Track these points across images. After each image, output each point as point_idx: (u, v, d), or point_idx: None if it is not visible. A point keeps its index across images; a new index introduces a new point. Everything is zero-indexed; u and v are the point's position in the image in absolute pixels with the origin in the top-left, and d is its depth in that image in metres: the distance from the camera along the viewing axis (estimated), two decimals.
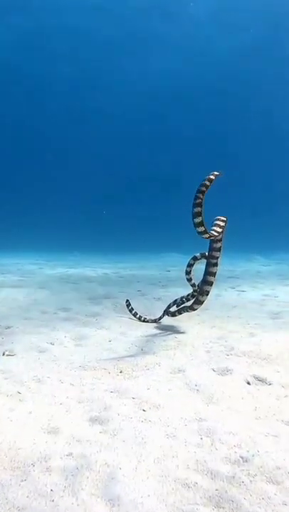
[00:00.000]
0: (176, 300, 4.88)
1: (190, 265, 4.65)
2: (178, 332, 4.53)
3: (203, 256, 4.41)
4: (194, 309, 4.41)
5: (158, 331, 4.58)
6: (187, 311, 4.59)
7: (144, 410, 2.47)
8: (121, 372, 3.20)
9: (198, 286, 4.61)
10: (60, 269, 11.83)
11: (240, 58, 31.36)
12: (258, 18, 28.54)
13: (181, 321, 5.01)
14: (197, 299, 4.29)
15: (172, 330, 4.61)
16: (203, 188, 3.08)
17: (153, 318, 5.11)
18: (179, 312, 4.74)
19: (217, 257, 3.88)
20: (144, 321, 4.98)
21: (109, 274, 11.05)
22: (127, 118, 37.37)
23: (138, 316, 5.01)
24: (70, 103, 36.01)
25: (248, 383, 2.99)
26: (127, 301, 5.11)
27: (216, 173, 3.15)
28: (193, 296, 4.67)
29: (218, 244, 3.85)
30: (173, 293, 7.41)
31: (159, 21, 29.22)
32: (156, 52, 31.52)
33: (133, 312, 5.03)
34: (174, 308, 4.90)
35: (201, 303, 4.29)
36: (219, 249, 3.86)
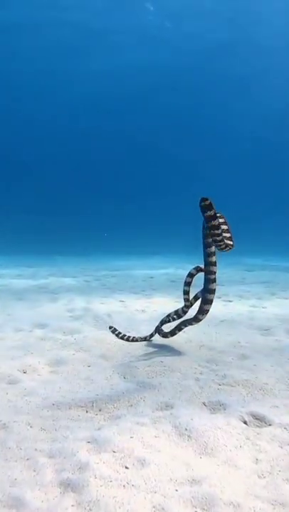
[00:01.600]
0: (162, 320, 4.49)
1: (188, 284, 4.22)
2: (163, 354, 4.16)
3: (198, 270, 4.04)
4: (192, 324, 4.07)
5: (141, 352, 4.20)
6: (185, 326, 4.24)
7: (126, 467, 2.08)
8: (100, 410, 2.81)
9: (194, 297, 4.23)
10: (39, 276, 11.38)
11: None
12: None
13: (168, 340, 4.64)
14: (196, 317, 3.90)
15: (157, 351, 4.24)
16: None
17: (142, 336, 4.69)
18: (179, 329, 4.34)
19: (215, 272, 3.52)
20: (132, 340, 4.57)
21: (91, 281, 10.64)
22: (87, 116, 36.99)
23: (126, 337, 4.59)
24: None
25: (245, 423, 2.63)
26: (111, 327, 4.68)
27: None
28: (183, 311, 4.28)
29: (214, 258, 3.49)
30: (158, 304, 7.05)
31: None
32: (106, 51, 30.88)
33: (120, 335, 4.60)
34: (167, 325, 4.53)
35: (200, 320, 3.93)
36: (216, 264, 3.50)
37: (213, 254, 3.49)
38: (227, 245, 3.15)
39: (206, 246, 3.48)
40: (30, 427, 2.54)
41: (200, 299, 3.83)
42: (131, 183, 40.05)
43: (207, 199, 2.95)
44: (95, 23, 28.08)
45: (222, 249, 3.16)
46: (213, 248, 3.44)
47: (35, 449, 2.26)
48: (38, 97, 34.68)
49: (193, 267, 4.16)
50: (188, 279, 4.20)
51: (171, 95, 34.66)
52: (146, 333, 4.88)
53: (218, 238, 3.08)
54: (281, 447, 2.31)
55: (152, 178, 40.85)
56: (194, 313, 3.91)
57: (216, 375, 3.47)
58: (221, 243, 3.12)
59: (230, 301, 7.39)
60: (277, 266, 14.63)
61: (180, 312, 4.31)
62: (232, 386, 3.23)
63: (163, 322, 4.46)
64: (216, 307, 6.74)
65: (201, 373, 3.59)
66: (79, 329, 5.16)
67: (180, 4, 27.73)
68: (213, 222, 3.01)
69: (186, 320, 4.16)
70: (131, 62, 31.15)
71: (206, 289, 3.63)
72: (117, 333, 4.60)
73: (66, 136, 37.47)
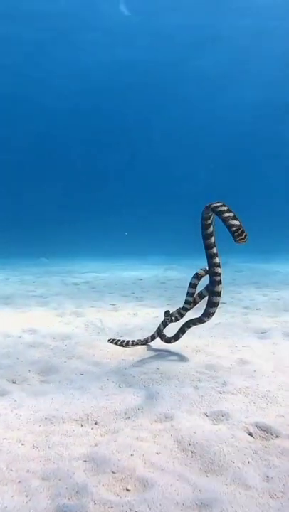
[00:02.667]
0: (164, 322, 4.29)
1: (193, 285, 4.02)
2: (159, 359, 3.99)
3: (206, 272, 3.86)
4: (196, 324, 3.93)
5: (136, 359, 4.03)
6: (189, 327, 4.07)
7: (128, 490, 1.91)
8: (96, 424, 2.64)
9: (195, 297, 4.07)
10: (27, 279, 11.15)
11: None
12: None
13: (163, 345, 4.47)
14: (201, 319, 3.73)
15: (152, 357, 4.07)
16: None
17: (142, 339, 4.49)
18: (183, 332, 4.16)
19: (220, 274, 3.35)
20: (133, 345, 4.39)
21: (79, 283, 10.44)
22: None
23: (125, 343, 4.40)
24: None
25: (250, 435, 2.48)
26: (110, 340, 4.53)
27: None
28: (185, 309, 4.10)
29: (217, 260, 3.32)
30: (149, 307, 6.89)
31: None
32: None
33: (120, 343, 4.43)
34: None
35: (204, 322, 3.77)
36: (220, 265, 3.34)
37: (217, 255, 3.33)
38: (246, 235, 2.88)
39: (208, 247, 3.32)
40: (22, 444, 2.36)
41: (206, 300, 3.66)
42: (113, 186, 40.04)
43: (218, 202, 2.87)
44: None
45: (242, 240, 2.80)
46: (215, 249, 3.28)
47: (28, 471, 2.08)
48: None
49: (196, 272, 3.99)
50: (195, 281, 4.02)
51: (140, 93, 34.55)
52: (141, 337, 4.72)
53: (238, 228, 2.81)
54: None
55: (124, 180, 40.88)
56: (199, 315, 3.74)
57: (216, 382, 3.31)
58: (243, 234, 2.82)
59: (223, 303, 7.25)
60: (259, 266, 14.57)
61: (182, 311, 4.11)
62: (233, 394, 3.08)
63: (165, 324, 4.26)
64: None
65: (199, 380, 3.43)
66: (70, 335, 4.97)
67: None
68: (230, 214, 2.83)
69: (190, 321, 3.96)
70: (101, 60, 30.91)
71: (211, 291, 3.47)
72: (115, 342, 4.43)
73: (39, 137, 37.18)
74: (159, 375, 3.54)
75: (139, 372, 3.61)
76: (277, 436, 2.45)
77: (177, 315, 4.14)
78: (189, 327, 4.05)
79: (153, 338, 4.43)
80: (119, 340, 4.47)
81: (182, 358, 4.02)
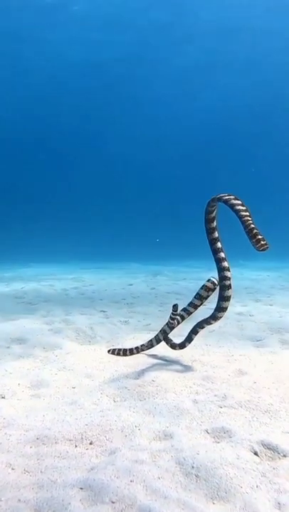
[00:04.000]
0: (169, 323, 4.09)
1: (199, 298, 3.73)
2: (154, 370, 3.83)
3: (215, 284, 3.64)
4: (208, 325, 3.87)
5: (130, 370, 3.87)
6: (202, 328, 3.95)
7: None
8: (91, 444, 2.47)
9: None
10: (15, 285, 10.93)
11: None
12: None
13: (157, 354, 4.33)
14: (209, 321, 3.69)
15: (146, 368, 3.91)
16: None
17: (146, 343, 4.15)
18: (196, 333, 3.99)
19: (229, 278, 3.23)
20: (138, 351, 4.15)
21: (69, 290, 10.25)
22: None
23: (129, 351, 4.16)
24: None
25: (256, 454, 2.33)
26: (109, 350, 4.26)
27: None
28: (182, 317, 3.91)
29: (226, 264, 3.19)
30: (141, 314, 6.73)
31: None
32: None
33: (122, 352, 4.18)
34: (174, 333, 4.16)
35: (211, 324, 3.79)
36: (229, 269, 3.21)
37: (225, 259, 3.19)
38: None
39: (216, 252, 3.19)
40: (12, 469, 2.19)
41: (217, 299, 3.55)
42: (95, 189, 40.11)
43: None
44: None
45: (264, 246, 2.61)
46: (223, 254, 3.16)
47: (19, 500, 1.91)
48: None
49: (204, 284, 3.69)
50: (197, 302, 3.81)
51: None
52: (133, 345, 4.57)
53: (258, 233, 2.59)
54: None
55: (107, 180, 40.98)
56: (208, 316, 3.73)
57: (215, 395, 3.16)
58: (263, 241, 2.59)
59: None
60: (247, 272, 14.52)
61: (185, 314, 3.92)
62: (234, 408, 2.93)
63: (171, 326, 3.97)
64: (203, 316, 6.46)
65: (197, 393, 3.28)
66: (60, 344, 4.80)
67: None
68: (247, 213, 2.68)
69: (203, 321, 3.85)
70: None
71: (221, 296, 3.36)
72: (117, 352, 4.20)
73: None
74: (155, 388, 3.39)
75: (134, 385, 3.45)
76: (284, 456, 2.30)
77: (180, 318, 3.95)
78: (202, 327, 3.91)
79: (158, 341, 4.07)
80: (120, 349, 4.26)
81: (178, 369, 3.87)
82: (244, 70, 31.84)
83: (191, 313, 3.89)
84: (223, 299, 3.38)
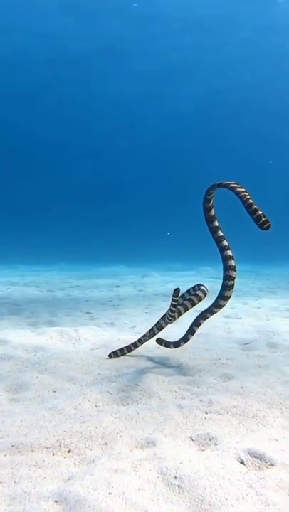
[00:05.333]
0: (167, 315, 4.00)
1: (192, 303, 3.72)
2: (138, 374, 3.71)
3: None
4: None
5: (113, 373, 3.74)
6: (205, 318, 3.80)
7: None
8: (69, 451, 2.35)
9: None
10: (0, 287, 10.76)
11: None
12: None
13: (141, 357, 4.21)
14: (211, 309, 3.53)
15: (131, 372, 3.78)
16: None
17: (148, 333, 4.13)
18: (198, 325, 3.86)
19: (234, 278, 3.12)
20: (140, 342, 4.13)
21: (55, 291, 10.12)
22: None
23: (133, 345, 4.15)
24: None
25: (242, 463, 2.22)
26: (110, 355, 4.20)
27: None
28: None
29: (233, 262, 3.08)
30: (127, 316, 6.61)
31: None
32: None
33: (124, 352, 4.18)
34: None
35: (214, 313, 3.58)
36: (235, 268, 3.10)
37: (232, 257, 3.08)
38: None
39: (223, 249, 3.07)
40: None
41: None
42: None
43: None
44: None
45: (268, 224, 2.53)
46: (230, 252, 3.04)
47: None
48: None
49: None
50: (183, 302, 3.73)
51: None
52: (116, 348, 4.47)
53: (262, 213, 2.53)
54: None
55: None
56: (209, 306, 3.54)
57: (200, 400, 3.05)
58: (264, 217, 2.53)
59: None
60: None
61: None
62: (220, 414, 2.83)
63: (166, 319, 3.84)
64: (191, 319, 6.35)
65: (182, 398, 3.17)
66: (43, 346, 4.66)
67: None
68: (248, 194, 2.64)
69: (202, 314, 3.71)
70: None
71: (221, 294, 3.25)
72: (118, 354, 4.18)
73: None
74: (139, 392, 3.27)
75: (117, 389, 3.33)
76: (271, 465, 2.20)
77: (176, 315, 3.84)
78: (205, 319, 3.76)
79: (160, 328, 4.07)
80: (121, 349, 4.19)
81: (163, 373, 3.76)
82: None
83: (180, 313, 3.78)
84: (222, 297, 3.27)
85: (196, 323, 3.84)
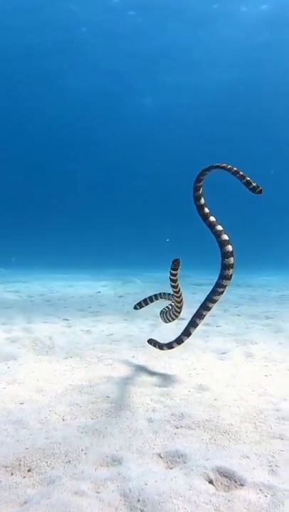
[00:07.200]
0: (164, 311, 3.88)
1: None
2: (110, 384, 3.59)
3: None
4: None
5: (85, 384, 3.62)
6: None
7: None
8: (29, 471, 2.22)
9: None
10: None
11: None
12: None
13: (115, 367, 4.09)
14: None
15: (103, 382, 3.66)
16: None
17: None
18: (195, 325, 3.39)
19: (225, 286, 2.95)
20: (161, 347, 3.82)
21: (34, 296, 9.93)
22: None
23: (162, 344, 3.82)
24: None
25: (211, 482, 2.12)
26: (153, 342, 3.95)
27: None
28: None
29: (230, 272, 2.91)
30: (105, 323, 6.48)
31: None
32: None
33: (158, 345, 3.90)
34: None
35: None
36: (230, 278, 2.92)
37: (231, 254, 2.87)
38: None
39: (218, 235, 2.88)
40: None
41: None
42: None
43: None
44: None
45: (257, 189, 2.67)
46: (230, 246, 2.84)
47: None
48: None
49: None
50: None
51: None
52: (91, 359, 4.35)
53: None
54: None
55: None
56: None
57: (172, 414, 2.94)
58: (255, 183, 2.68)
59: (182, 319, 6.92)
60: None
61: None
62: (191, 429, 2.72)
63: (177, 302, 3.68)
64: (167, 326, 6.25)
65: (154, 410, 3.06)
66: (14, 354, 4.52)
67: None
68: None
69: (198, 311, 3.26)
70: None
71: (208, 297, 3.03)
72: (155, 344, 3.91)
73: None
74: (109, 405, 3.15)
75: (87, 402, 3.20)
76: (241, 485, 2.10)
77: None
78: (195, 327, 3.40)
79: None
80: (157, 342, 3.90)
81: (137, 383, 3.64)
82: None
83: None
84: (209, 300, 3.03)
85: (193, 323, 3.49)
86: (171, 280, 3.40)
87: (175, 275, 3.30)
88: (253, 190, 2.66)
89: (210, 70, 31.63)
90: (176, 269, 3.24)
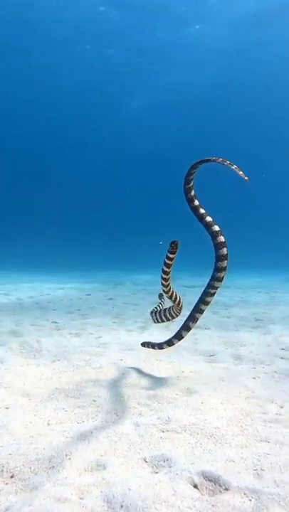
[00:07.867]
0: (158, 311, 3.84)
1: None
2: (97, 388, 3.56)
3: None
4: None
5: (72, 387, 3.59)
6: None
7: None
8: (12, 477, 2.19)
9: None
10: None
11: None
12: None
13: (102, 370, 4.06)
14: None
15: (90, 385, 3.63)
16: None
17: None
18: (188, 329, 3.42)
19: (217, 287, 2.86)
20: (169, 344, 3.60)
21: (24, 299, 9.87)
22: None
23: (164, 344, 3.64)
24: None
25: (196, 487, 2.10)
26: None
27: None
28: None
29: (222, 274, 2.83)
30: (94, 325, 6.45)
31: None
32: None
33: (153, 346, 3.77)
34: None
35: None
36: (222, 280, 2.85)
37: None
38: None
39: (201, 218, 2.79)
40: None
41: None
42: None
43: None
44: None
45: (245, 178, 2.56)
46: (225, 250, 2.75)
47: None
48: None
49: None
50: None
51: None
52: (78, 362, 4.32)
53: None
54: None
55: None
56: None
57: (158, 418, 2.92)
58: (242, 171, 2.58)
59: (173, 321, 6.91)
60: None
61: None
62: (177, 433, 2.70)
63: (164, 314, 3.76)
64: (158, 328, 6.23)
65: (140, 414, 3.04)
66: (1, 358, 4.48)
67: None
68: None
69: (192, 313, 3.09)
70: None
71: (200, 298, 2.93)
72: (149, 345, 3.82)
73: None
74: (96, 409, 3.13)
75: (73, 406, 3.18)
76: (226, 489, 2.08)
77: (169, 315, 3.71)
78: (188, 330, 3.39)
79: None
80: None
81: (124, 386, 3.62)
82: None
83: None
84: (202, 301, 2.93)
85: (186, 327, 3.40)
86: (165, 265, 3.19)
87: (172, 259, 3.12)
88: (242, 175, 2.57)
89: (199, 70, 31.77)
90: (174, 253, 3.06)
